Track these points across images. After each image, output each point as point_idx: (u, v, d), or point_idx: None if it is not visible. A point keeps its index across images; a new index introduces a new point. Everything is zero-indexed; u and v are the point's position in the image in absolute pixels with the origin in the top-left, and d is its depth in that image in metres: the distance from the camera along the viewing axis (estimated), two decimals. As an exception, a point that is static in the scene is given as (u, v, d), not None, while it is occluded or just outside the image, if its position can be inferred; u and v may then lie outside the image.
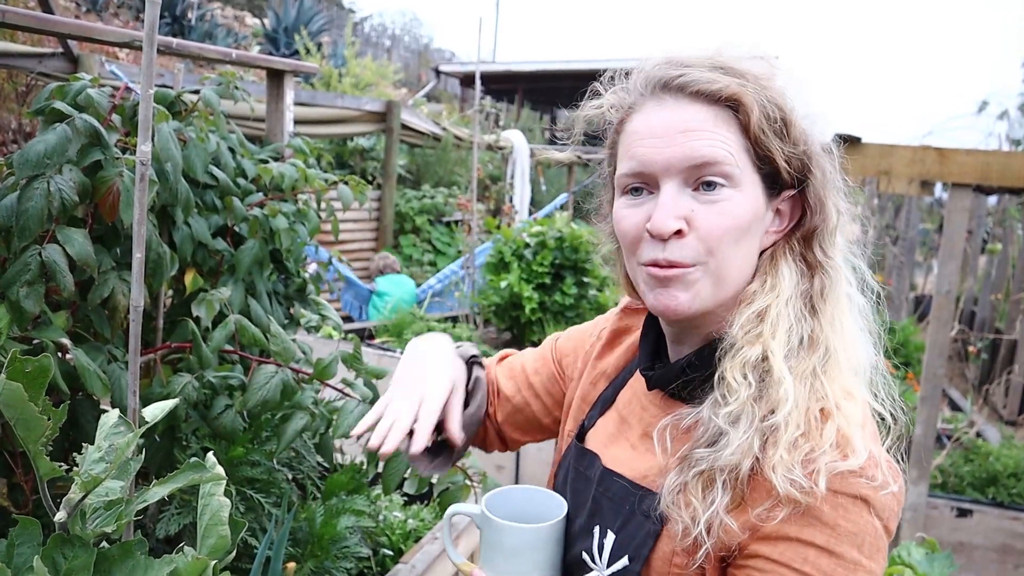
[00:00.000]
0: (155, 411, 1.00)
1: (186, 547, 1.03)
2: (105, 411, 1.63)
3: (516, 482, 3.75)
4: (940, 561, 1.50)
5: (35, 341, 1.48)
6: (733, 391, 0.75)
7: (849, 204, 0.84)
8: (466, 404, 1.06)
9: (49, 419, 0.90)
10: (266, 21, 13.66)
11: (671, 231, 0.77)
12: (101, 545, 0.97)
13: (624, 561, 0.80)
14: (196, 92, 1.84)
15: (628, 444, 0.87)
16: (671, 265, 0.78)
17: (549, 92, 14.43)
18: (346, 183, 2.22)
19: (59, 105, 1.49)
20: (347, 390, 1.74)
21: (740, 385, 0.75)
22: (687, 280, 0.79)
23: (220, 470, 1.08)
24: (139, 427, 1.12)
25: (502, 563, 0.87)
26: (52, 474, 0.93)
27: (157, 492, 1.02)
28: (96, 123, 1.49)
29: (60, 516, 0.92)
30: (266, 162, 2.16)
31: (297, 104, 2.65)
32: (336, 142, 8.25)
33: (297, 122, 2.61)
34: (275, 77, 2.53)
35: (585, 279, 4.90)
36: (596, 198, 0.99)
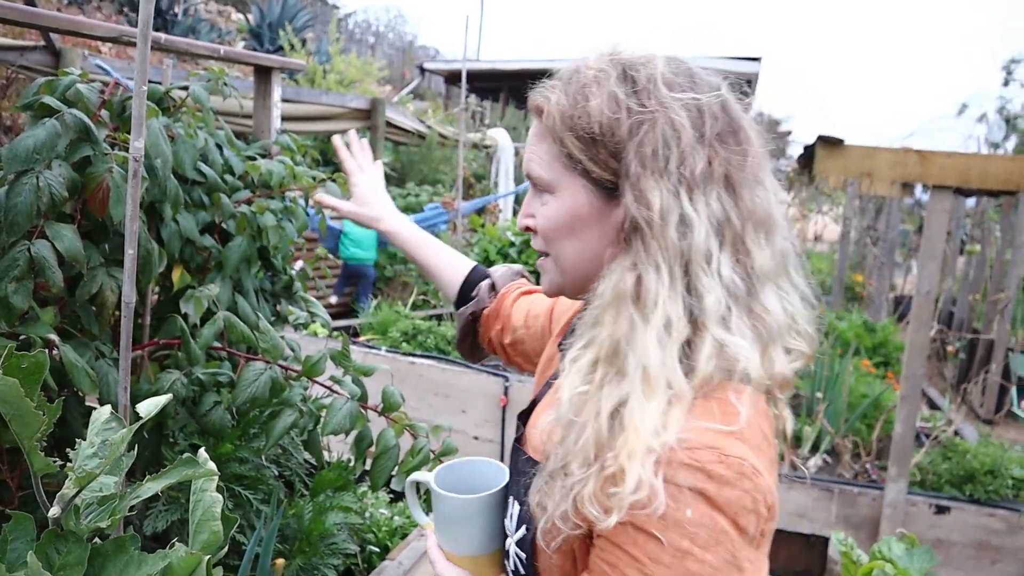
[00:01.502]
0: (148, 407, 1.00)
1: (178, 543, 1.03)
2: (92, 408, 1.62)
3: (502, 449, 3.79)
4: (920, 556, 1.53)
5: (22, 337, 1.48)
6: (566, 387, 0.79)
7: (718, 204, 0.79)
8: (469, 301, 1.28)
9: (44, 415, 0.90)
10: (250, 16, 13.57)
11: (523, 227, 0.91)
12: (94, 541, 0.97)
13: (523, 530, 0.86)
14: (185, 88, 1.84)
15: (547, 420, 0.88)
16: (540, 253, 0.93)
17: (534, 91, 14.38)
18: (334, 180, 2.22)
19: (48, 100, 1.49)
20: (335, 387, 1.75)
21: (572, 379, 0.79)
22: (544, 267, 0.92)
23: (212, 466, 1.08)
24: (130, 423, 1.12)
25: (446, 528, 0.96)
26: (46, 470, 0.93)
27: (150, 488, 1.02)
28: (86, 118, 1.49)
29: (54, 512, 0.92)
30: (254, 159, 2.16)
31: (282, 101, 2.64)
32: (321, 139, 8.23)
33: (282, 119, 2.60)
34: (263, 74, 2.53)
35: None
36: None
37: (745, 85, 0.90)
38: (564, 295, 0.93)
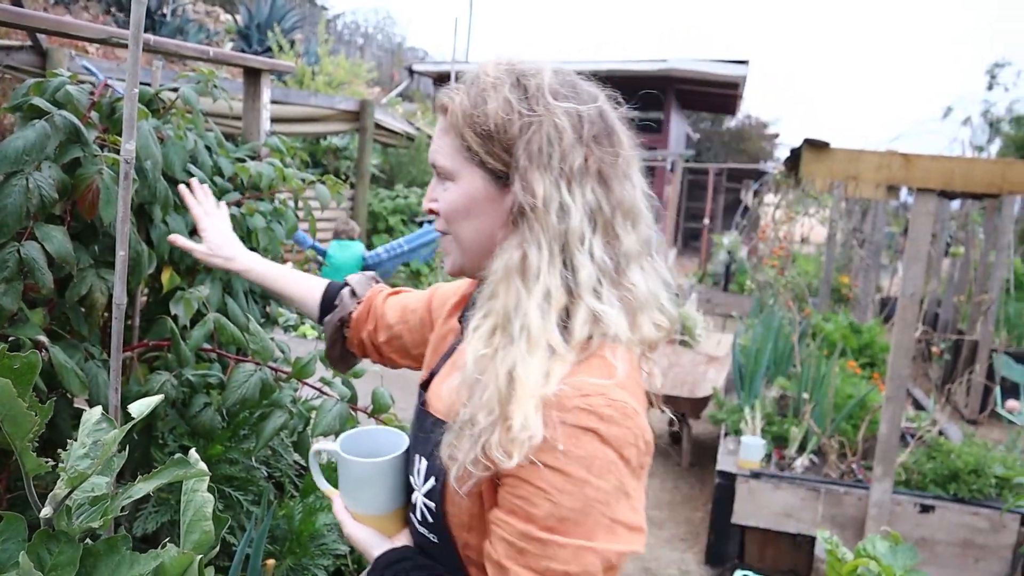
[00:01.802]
0: (140, 407, 1.01)
1: (169, 544, 1.04)
2: (80, 409, 1.62)
3: None
4: (903, 553, 1.55)
5: (11, 339, 1.48)
6: (470, 351, 0.91)
7: (592, 195, 0.93)
8: (333, 309, 1.38)
9: (36, 415, 0.90)
10: (238, 17, 13.52)
11: (427, 209, 1.03)
12: (86, 541, 0.97)
13: (432, 482, 0.97)
14: (174, 90, 1.84)
15: (450, 386, 0.99)
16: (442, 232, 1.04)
17: (523, 93, 14.40)
18: (323, 183, 2.23)
19: (38, 101, 1.49)
20: (325, 389, 1.75)
21: (475, 344, 0.91)
22: (447, 247, 1.04)
23: (203, 466, 1.09)
24: (121, 424, 1.12)
25: (352, 491, 1.05)
26: (38, 470, 0.93)
27: (142, 488, 1.02)
28: (75, 120, 1.49)
29: (46, 512, 0.92)
30: (243, 161, 2.16)
31: (271, 102, 2.64)
32: (309, 141, 8.21)
33: (271, 120, 2.60)
34: (252, 76, 2.53)
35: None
36: None
37: (620, 96, 1.03)
38: (464, 274, 1.06)
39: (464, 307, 1.15)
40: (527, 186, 0.91)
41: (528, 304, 0.89)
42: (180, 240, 1.45)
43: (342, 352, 1.40)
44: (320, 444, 1.14)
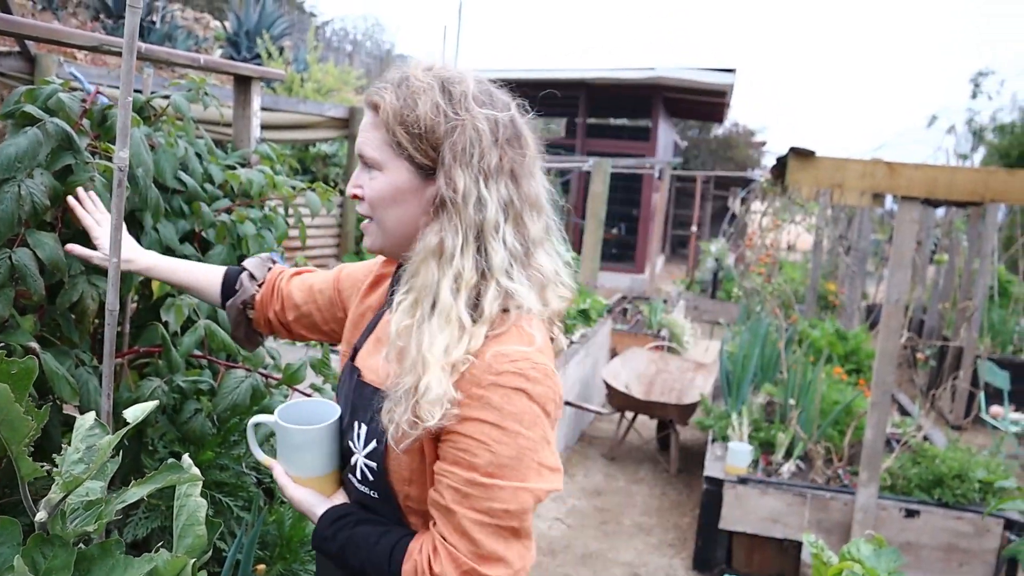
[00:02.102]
0: (136, 412, 1.02)
1: (163, 549, 1.04)
2: (70, 416, 1.62)
3: None
4: (887, 556, 1.57)
5: (2, 345, 1.48)
6: (394, 322, 1.04)
7: (506, 190, 1.06)
8: (234, 294, 1.44)
9: (33, 420, 0.91)
10: (227, 24, 13.51)
11: (351, 195, 1.13)
12: (80, 545, 0.98)
13: (373, 444, 1.08)
14: (166, 97, 1.85)
15: (381, 358, 1.11)
16: (364, 217, 1.15)
17: (511, 100, 14.45)
18: (314, 190, 2.24)
19: (30, 108, 1.49)
20: (316, 395, 1.76)
21: (398, 316, 1.04)
22: (368, 229, 1.14)
23: (196, 471, 1.10)
24: (113, 429, 1.13)
25: (292, 456, 1.15)
26: (34, 475, 0.94)
27: (136, 492, 1.03)
28: (67, 127, 1.50)
29: (40, 516, 0.93)
30: (233, 168, 2.17)
31: (260, 109, 2.65)
32: (298, 147, 8.20)
33: (260, 127, 2.61)
34: (242, 83, 2.54)
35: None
36: None
37: (527, 104, 1.16)
38: (384, 254, 1.18)
39: (377, 286, 1.30)
40: (450, 181, 1.04)
41: (442, 283, 1.02)
42: (77, 249, 1.44)
43: (247, 332, 1.47)
44: (258, 417, 1.24)
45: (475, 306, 1.02)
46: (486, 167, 1.05)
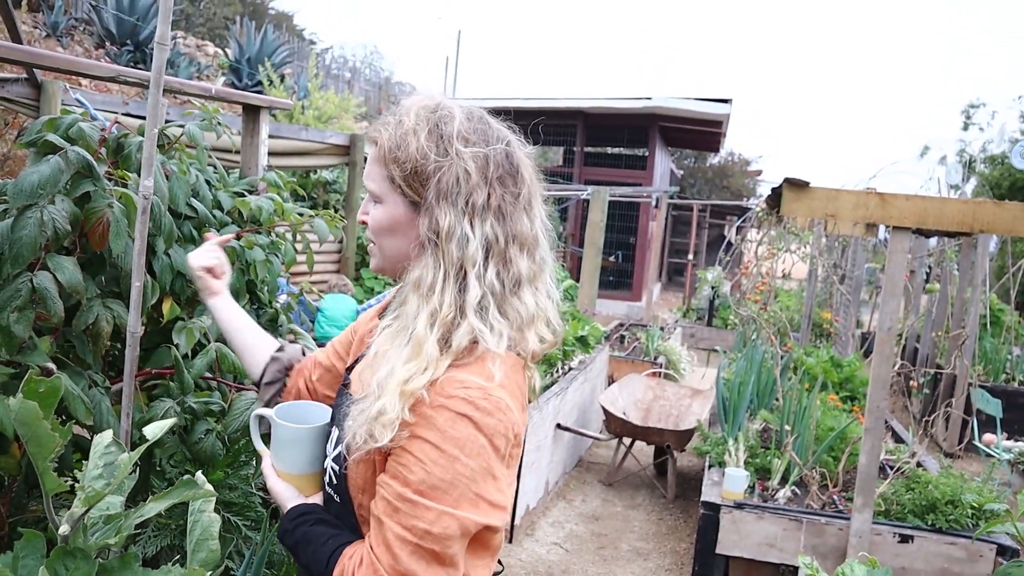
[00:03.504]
0: (154, 430, 1.06)
1: (177, 564, 1.08)
2: (79, 437, 1.66)
3: None
4: (879, 576, 1.61)
5: (20, 366, 1.52)
6: (375, 343, 1.14)
7: (491, 228, 1.09)
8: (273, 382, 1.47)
9: (58, 437, 0.95)
10: (228, 51, 13.67)
11: (360, 221, 1.19)
12: (99, 558, 1.02)
13: (340, 448, 1.12)
14: (181, 126, 1.91)
15: (372, 371, 1.14)
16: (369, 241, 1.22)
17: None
18: (321, 217, 2.29)
19: (52, 137, 1.55)
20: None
21: (381, 339, 1.13)
22: (372, 251, 1.21)
23: (210, 488, 1.14)
24: (130, 448, 1.17)
25: (279, 451, 1.21)
26: (58, 489, 0.98)
27: (153, 507, 1.08)
28: (88, 156, 1.55)
29: (63, 530, 0.97)
30: (243, 195, 2.22)
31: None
32: (299, 174, 8.29)
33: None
34: (251, 112, 2.61)
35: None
36: None
37: (526, 133, 1.22)
38: (384, 274, 1.23)
39: (386, 307, 1.33)
40: (432, 220, 1.08)
41: (420, 316, 1.07)
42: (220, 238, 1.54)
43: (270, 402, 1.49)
44: (260, 411, 1.32)
45: (447, 340, 1.05)
46: (471, 206, 1.08)
